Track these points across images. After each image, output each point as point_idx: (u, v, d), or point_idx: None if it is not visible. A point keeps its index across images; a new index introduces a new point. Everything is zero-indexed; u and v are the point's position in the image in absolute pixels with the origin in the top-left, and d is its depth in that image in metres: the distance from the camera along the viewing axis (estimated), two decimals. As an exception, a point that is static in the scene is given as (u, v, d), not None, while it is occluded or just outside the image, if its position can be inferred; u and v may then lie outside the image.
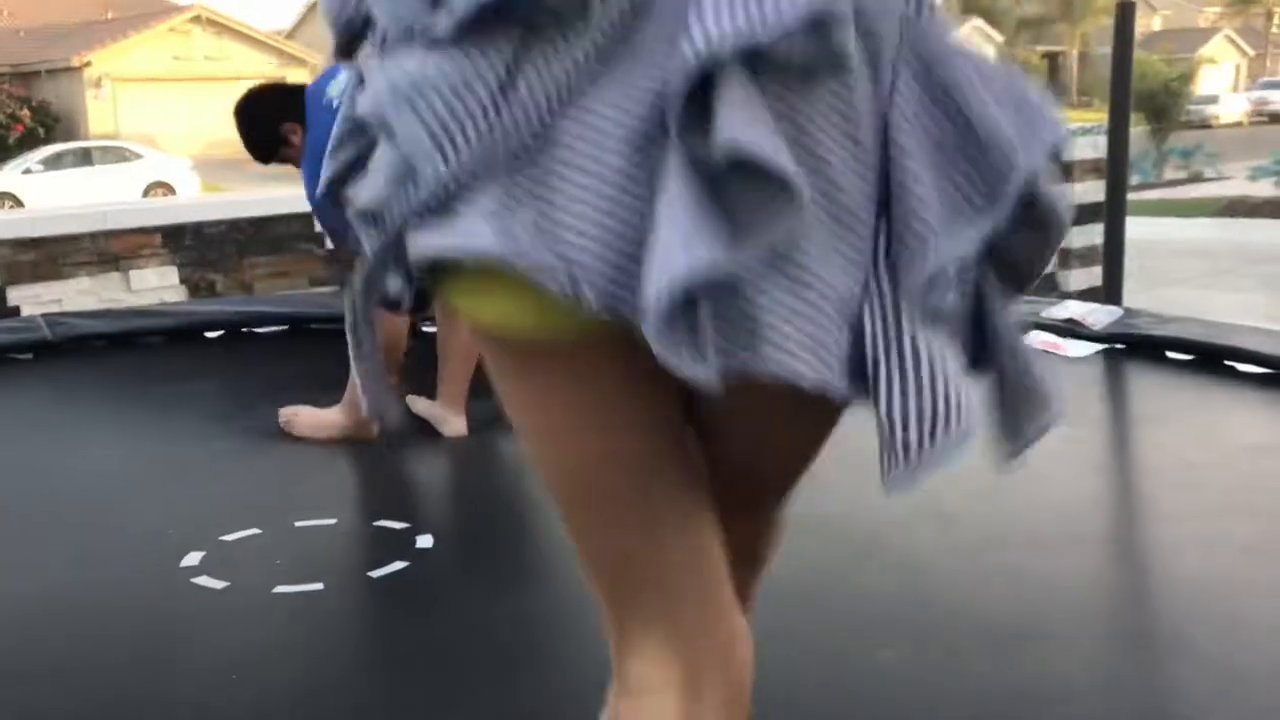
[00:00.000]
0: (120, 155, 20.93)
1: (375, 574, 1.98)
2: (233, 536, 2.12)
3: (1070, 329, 3.44)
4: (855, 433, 0.83)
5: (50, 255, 4.37)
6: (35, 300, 4.38)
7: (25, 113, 29.83)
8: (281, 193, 5.06)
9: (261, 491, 2.48)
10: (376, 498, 2.49)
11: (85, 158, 21.04)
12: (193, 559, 2.02)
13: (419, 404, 2.72)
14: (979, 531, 2.17)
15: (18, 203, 19.08)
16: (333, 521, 2.26)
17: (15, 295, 4.40)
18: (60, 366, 3.56)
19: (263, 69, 32.87)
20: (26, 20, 34.55)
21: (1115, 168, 4.56)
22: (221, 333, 3.89)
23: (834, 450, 0.89)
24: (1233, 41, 45.95)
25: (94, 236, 4.45)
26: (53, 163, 20.61)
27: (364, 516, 2.37)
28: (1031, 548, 2.09)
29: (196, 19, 32.07)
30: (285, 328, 3.87)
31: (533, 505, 2.33)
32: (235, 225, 4.71)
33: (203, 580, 1.95)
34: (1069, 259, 8.39)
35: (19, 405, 3.25)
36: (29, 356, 3.65)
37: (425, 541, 2.11)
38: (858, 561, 2.01)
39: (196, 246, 4.62)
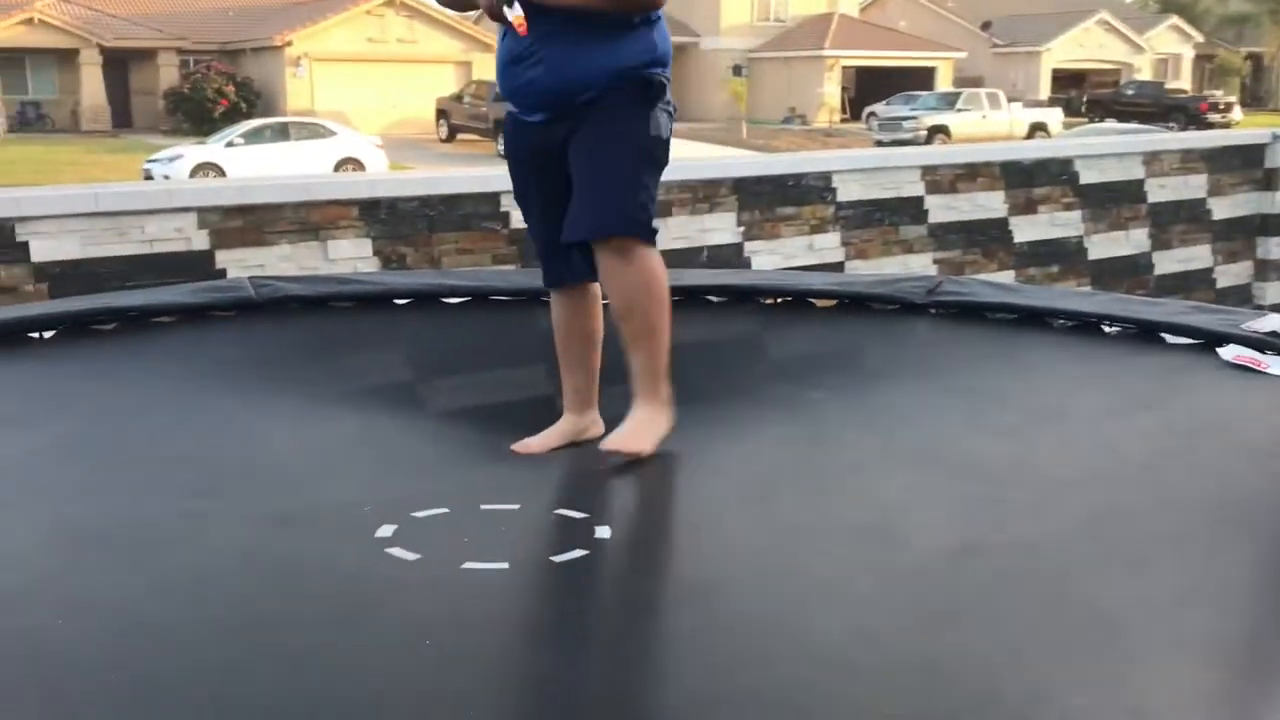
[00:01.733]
0: (315, 131, 21.90)
1: (557, 559, 2.04)
2: (423, 514, 2.19)
3: (1274, 343, 3.26)
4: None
5: (256, 223, 4.63)
6: (240, 264, 4.64)
7: (230, 88, 31.49)
8: (469, 172, 5.22)
9: (449, 472, 2.56)
10: (557, 488, 2.54)
11: (283, 132, 22.09)
12: (386, 531, 2.11)
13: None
14: (1147, 554, 2.10)
15: (220, 173, 20.16)
16: (516, 507, 2.32)
17: (223, 258, 4.67)
18: (260, 328, 3.73)
19: (452, 53, 33.78)
20: (235, 1, 36.36)
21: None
22: (411, 302, 4.03)
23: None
24: None
25: (296, 207, 4.69)
26: (253, 136, 21.70)
27: (546, 505, 2.42)
28: (1218, 568, 2.00)
29: (390, 3, 33.19)
30: (469, 299, 3.98)
31: (704, 506, 2.36)
32: (426, 202, 4.88)
33: (396, 551, 2.04)
34: (1266, 270, 7.95)
35: (220, 364, 3.43)
36: (231, 314, 3.85)
37: (604, 532, 2.15)
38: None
39: (390, 220, 4.81)
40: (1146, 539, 2.14)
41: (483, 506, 2.26)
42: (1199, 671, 1.69)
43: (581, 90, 2.40)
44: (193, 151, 21.19)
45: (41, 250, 4.41)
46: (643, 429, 2.47)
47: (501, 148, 3.04)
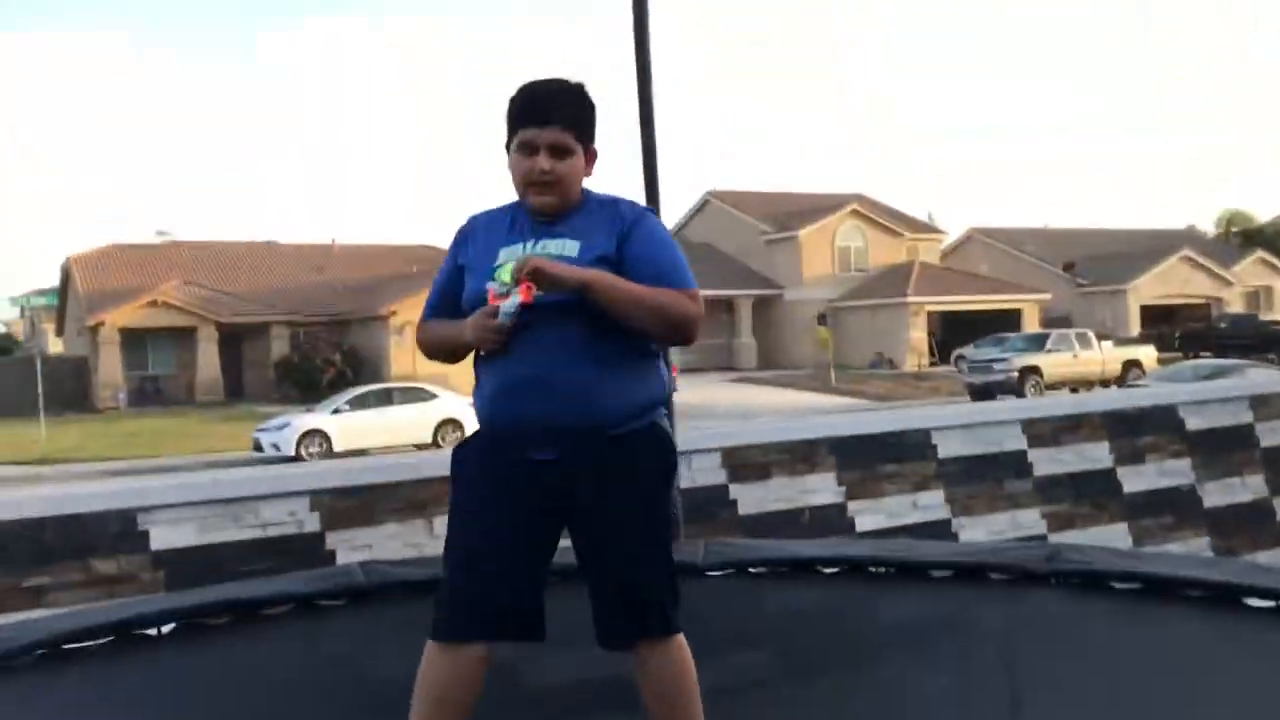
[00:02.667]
0: (417, 395, 22.61)
1: None
2: None
3: None
4: None
5: (366, 503, 4.72)
6: (349, 544, 4.71)
7: (337, 357, 32.95)
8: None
9: None
10: None
11: (386, 398, 22.84)
12: None
13: None
14: None
15: (326, 439, 20.83)
16: None
17: (333, 539, 4.74)
18: (369, 616, 3.73)
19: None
20: (342, 276, 38.54)
21: None
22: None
23: None
24: None
25: (406, 485, 4.78)
26: (358, 403, 22.45)
27: None
28: None
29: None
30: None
31: None
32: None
33: None
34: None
35: (333, 659, 3.42)
36: (342, 602, 3.88)
37: None
38: None
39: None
40: None
41: None
42: None
43: (607, 425, 2.24)
44: (300, 419, 21.96)
45: (160, 538, 4.53)
46: None
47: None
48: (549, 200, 2.32)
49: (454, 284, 2.40)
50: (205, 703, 2.98)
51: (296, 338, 35.70)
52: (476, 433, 2.38)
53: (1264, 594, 3.12)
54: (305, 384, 32.00)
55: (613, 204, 2.38)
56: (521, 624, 2.26)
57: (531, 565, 2.28)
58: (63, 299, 39.61)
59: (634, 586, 2.28)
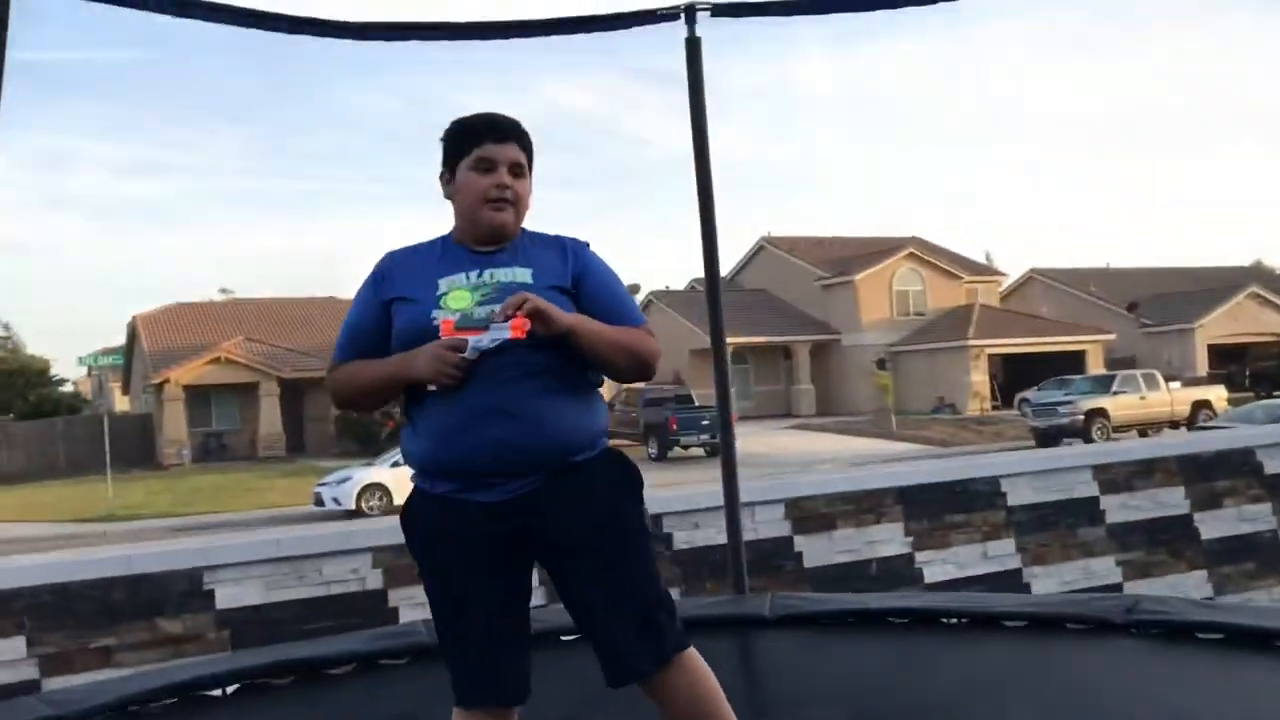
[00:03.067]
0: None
1: None
2: None
3: None
4: None
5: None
6: (411, 601, 4.69)
7: (395, 411, 33.17)
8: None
9: None
10: None
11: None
12: None
13: None
14: None
15: (387, 493, 20.93)
16: None
17: (395, 596, 4.73)
18: (434, 672, 3.71)
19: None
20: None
21: None
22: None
23: None
24: None
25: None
26: (417, 456, 22.53)
27: None
28: None
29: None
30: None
31: None
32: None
33: None
34: None
35: (393, 716, 3.39)
36: (404, 661, 3.86)
37: None
38: None
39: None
40: None
41: None
42: None
43: (571, 452, 2.18)
44: (360, 473, 22.10)
45: (225, 598, 4.54)
46: None
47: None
48: (506, 219, 2.26)
49: (375, 320, 2.26)
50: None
51: (356, 392, 36.05)
52: (418, 494, 2.23)
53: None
54: (364, 438, 32.27)
55: (553, 238, 2.35)
56: (521, 688, 2.23)
57: (518, 630, 2.23)
58: (129, 358, 40.50)
59: (645, 610, 2.19)
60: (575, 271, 2.27)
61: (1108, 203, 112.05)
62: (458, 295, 2.18)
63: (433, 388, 2.11)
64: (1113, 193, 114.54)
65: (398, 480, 21.37)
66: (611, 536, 2.19)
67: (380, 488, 21.20)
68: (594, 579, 2.17)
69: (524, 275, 2.21)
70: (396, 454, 23.22)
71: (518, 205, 2.27)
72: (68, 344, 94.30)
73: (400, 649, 3.76)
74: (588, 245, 2.35)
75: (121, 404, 43.82)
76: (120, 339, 42.55)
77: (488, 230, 2.25)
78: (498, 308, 2.13)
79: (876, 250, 42.11)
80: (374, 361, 2.23)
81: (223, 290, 43.12)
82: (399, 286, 2.25)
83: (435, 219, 2.78)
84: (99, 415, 33.28)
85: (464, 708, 2.21)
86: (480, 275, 2.22)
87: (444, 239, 2.32)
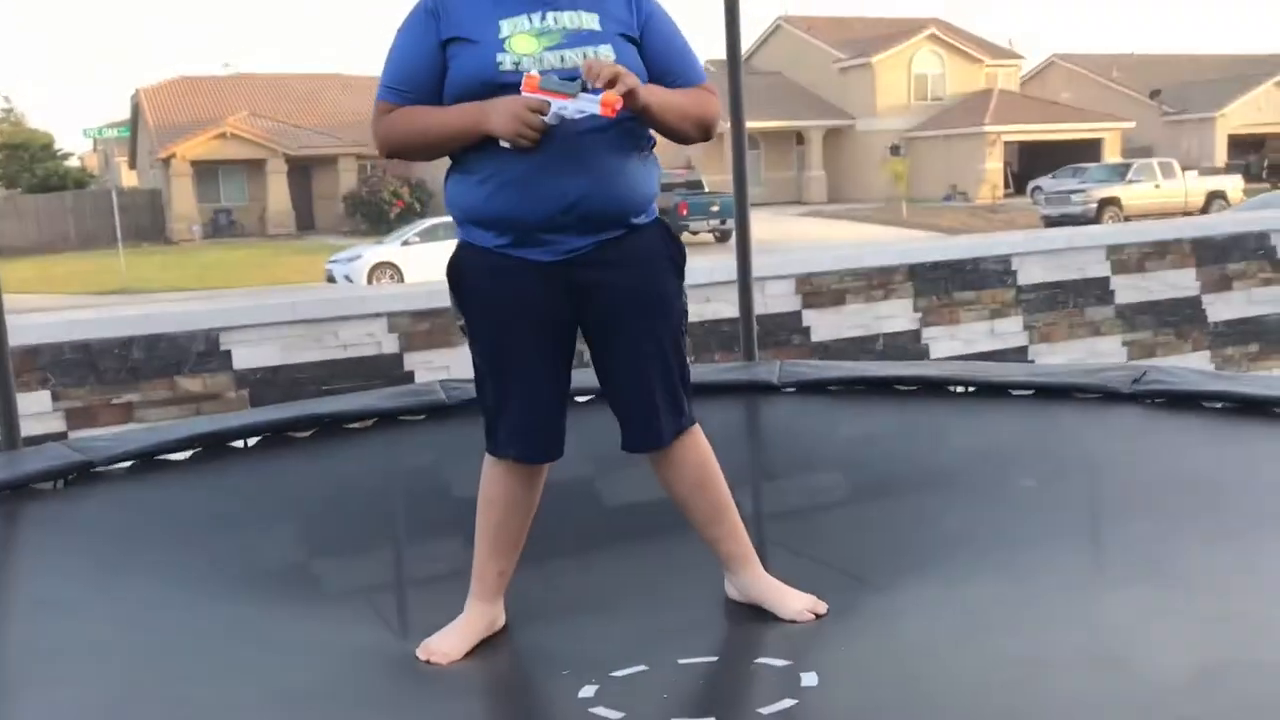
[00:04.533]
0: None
1: (765, 710, 1.92)
2: (622, 672, 2.11)
3: None
4: None
5: (442, 325, 4.76)
6: (427, 365, 4.77)
7: (405, 190, 32.99)
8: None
9: (641, 627, 2.41)
10: (752, 635, 2.34)
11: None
12: (588, 692, 2.04)
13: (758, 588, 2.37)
14: None
15: (398, 271, 21.05)
16: (714, 659, 2.25)
17: (411, 360, 4.81)
18: (451, 429, 3.80)
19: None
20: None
21: None
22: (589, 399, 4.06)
23: None
24: None
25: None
26: (428, 235, 22.58)
27: (744, 655, 2.30)
28: None
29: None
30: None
31: (916, 641, 2.20)
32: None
33: (600, 711, 1.97)
34: None
35: (412, 468, 3.50)
36: (423, 417, 3.95)
37: (810, 680, 2.02)
38: None
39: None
40: None
41: (680, 660, 2.16)
42: None
43: (633, 212, 2.16)
44: (371, 251, 22.18)
45: (243, 358, 4.62)
46: (790, 589, 2.33)
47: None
48: None
49: (430, 60, 2.10)
50: (290, 510, 3.07)
51: (364, 170, 35.75)
52: (467, 247, 2.19)
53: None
54: (374, 217, 32.19)
55: None
56: (559, 444, 2.29)
57: (562, 387, 2.27)
58: (134, 132, 39.93)
59: (672, 382, 2.23)
60: (641, 17, 2.15)
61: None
62: (522, 40, 2.05)
63: (505, 144, 2.01)
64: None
65: (408, 259, 21.46)
66: (654, 308, 2.20)
67: (391, 266, 21.31)
68: (630, 346, 2.20)
69: (590, 21, 2.10)
70: (407, 233, 23.24)
71: None
72: (70, 119, 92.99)
73: (419, 406, 3.84)
74: None
75: (128, 179, 43.49)
76: (125, 113, 41.87)
77: None
78: (580, 60, 2.03)
79: (897, 32, 40.74)
80: (439, 110, 2.10)
81: (226, 65, 42.04)
82: (457, 24, 2.08)
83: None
84: (107, 190, 33.08)
85: (502, 458, 2.25)
86: (544, 18, 2.08)
87: None
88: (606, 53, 2.08)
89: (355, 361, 4.72)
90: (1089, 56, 45.94)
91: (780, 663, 2.12)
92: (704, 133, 2.20)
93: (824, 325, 5.84)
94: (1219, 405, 3.30)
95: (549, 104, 1.96)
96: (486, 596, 2.33)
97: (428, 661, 2.22)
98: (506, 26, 2.06)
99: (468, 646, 2.26)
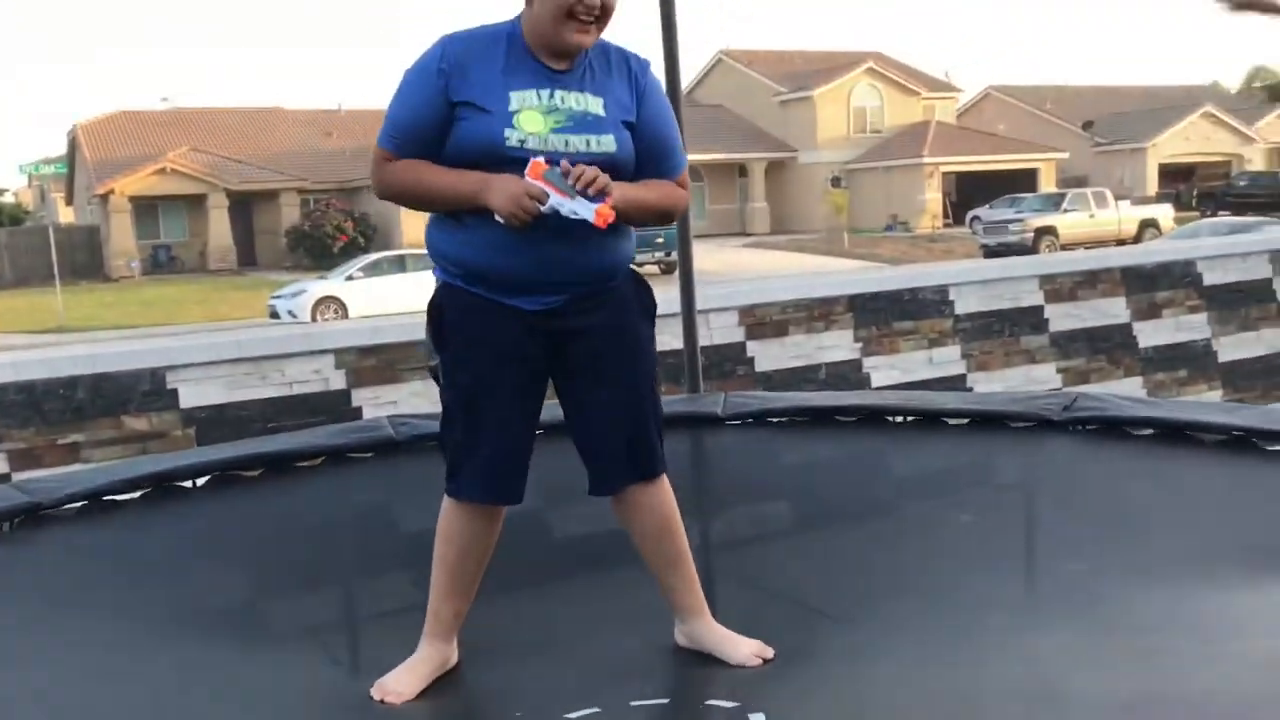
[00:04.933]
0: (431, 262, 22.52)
1: None
2: (575, 715, 2.12)
3: None
4: None
5: (390, 361, 4.79)
6: (375, 401, 4.79)
7: (349, 224, 32.83)
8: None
9: (594, 668, 2.43)
10: (701, 677, 2.35)
11: (400, 264, 22.82)
12: None
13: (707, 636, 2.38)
14: None
15: (342, 306, 20.92)
16: (665, 700, 2.29)
17: (359, 396, 4.83)
18: (400, 468, 3.82)
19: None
20: (351, 141, 38.09)
21: None
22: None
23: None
24: None
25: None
26: (372, 269, 22.48)
27: (694, 696, 2.31)
28: None
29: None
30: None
31: (859, 679, 2.26)
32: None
33: None
34: None
35: (361, 508, 3.51)
36: (370, 455, 3.95)
37: (758, 719, 2.05)
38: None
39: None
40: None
41: (632, 703, 2.18)
42: None
43: (610, 277, 2.24)
44: (315, 286, 22.00)
45: (189, 396, 4.61)
46: (738, 636, 2.35)
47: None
48: (589, 41, 2.13)
49: (438, 117, 2.13)
50: (240, 550, 3.07)
51: (307, 205, 35.52)
52: (450, 288, 2.21)
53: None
54: (317, 252, 31.96)
55: (619, 55, 2.24)
56: (520, 489, 2.30)
57: (530, 433, 2.29)
58: (71, 167, 39.36)
59: (640, 425, 2.28)
60: (638, 97, 2.22)
61: (1070, 19, 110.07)
62: (530, 117, 2.10)
63: (498, 219, 2.08)
64: (1075, 8, 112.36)
65: (352, 293, 21.35)
66: (628, 353, 2.27)
67: (335, 301, 21.18)
68: (604, 390, 2.25)
69: (595, 105, 2.16)
70: (351, 268, 23.09)
71: (604, 22, 2.15)
72: (4, 155, 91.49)
73: (368, 443, 3.86)
74: (649, 66, 2.28)
75: (65, 215, 42.84)
76: (61, 148, 41.29)
77: (566, 48, 2.14)
78: (583, 146, 2.11)
79: (836, 65, 41.39)
80: (441, 171, 2.14)
81: (164, 99, 41.67)
82: (469, 89, 2.11)
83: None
84: (44, 226, 32.58)
85: (464, 500, 2.28)
86: (553, 96, 2.13)
87: (509, 33, 2.18)
88: (609, 143, 2.15)
89: (301, 399, 4.73)
90: (1023, 88, 46.94)
91: (729, 704, 2.16)
92: (668, 223, 2.34)
93: (767, 356, 5.94)
94: (1148, 431, 3.42)
95: (548, 195, 2.04)
96: (441, 635, 2.34)
97: (382, 701, 2.24)
98: (516, 100, 2.11)
99: (421, 685, 2.27)
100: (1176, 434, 3.38)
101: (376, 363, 4.79)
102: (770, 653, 2.33)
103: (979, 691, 2.11)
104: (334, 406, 4.74)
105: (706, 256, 27.60)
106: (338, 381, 4.80)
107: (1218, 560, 2.63)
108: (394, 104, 2.20)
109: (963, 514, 3.10)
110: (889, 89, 41.01)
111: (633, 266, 2.34)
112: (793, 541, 3.16)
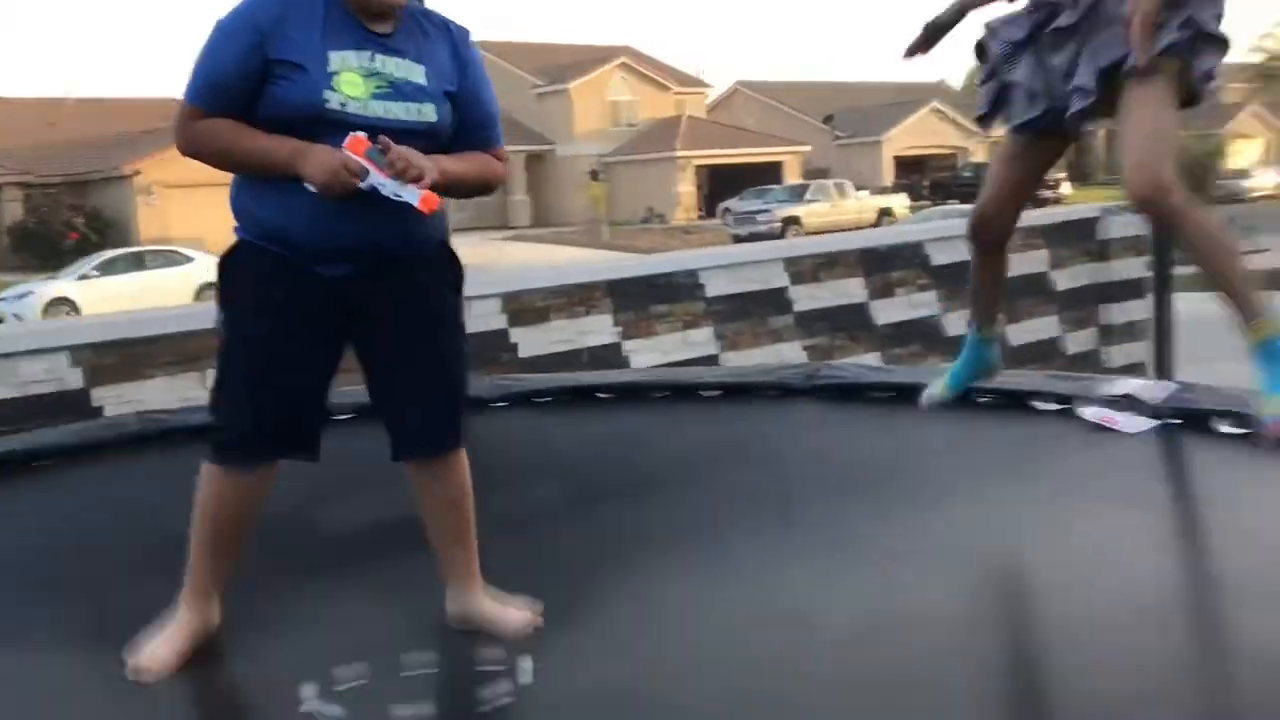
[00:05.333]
0: (171, 259, 21.47)
1: (486, 708, 2.05)
2: (345, 686, 2.12)
3: (1126, 404, 3.52)
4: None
5: (132, 356, 4.57)
6: (119, 400, 4.56)
7: (79, 220, 30.74)
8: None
9: (363, 637, 2.40)
10: (472, 643, 2.35)
11: (138, 262, 21.62)
12: (310, 699, 2.06)
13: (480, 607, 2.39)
14: (1043, 617, 2.27)
15: (74, 308, 19.61)
16: (435, 668, 2.26)
17: (98, 395, 4.58)
18: (146, 464, 3.67)
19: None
20: (76, 132, 35.71)
21: (1160, 245, 4.67)
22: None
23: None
24: (1259, 117, 46.06)
25: (175, 337, 4.64)
26: (107, 268, 21.19)
27: (465, 659, 2.30)
28: (1103, 630, 2.15)
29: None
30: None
31: (617, 634, 2.38)
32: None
33: (322, 716, 2.01)
34: (1110, 335, 8.46)
35: (109, 501, 3.37)
36: (118, 451, 3.78)
37: (527, 676, 2.13)
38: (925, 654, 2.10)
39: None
40: (1029, 596, 2.29)
41: (402, 674, 2.18)
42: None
43: (419, 253, 2.21)
44: (43, 287, 20.55)
45: (-91, 400, 4.27)
46: (508, 608, 2.37)
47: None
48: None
49: (249, 73, 2.04)
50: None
51: (30, 200, 33.03)
52: (250, 245, 2.14)
53: (994, 393, 3.51)
54: (45, 250, 29.78)
55: (439, 20, 2.23)
56: (309, 442, 2.26)
57: (322, 386, 2.25)
58: None
59: (451, 395, 2.29)
60: (460, 67, 2.20)
61: (800, 17, 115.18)
62: (350, 79, 2.04)
63: (311, 189, 2.01)
64: (823, 6, 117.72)
65: (86, 294, 20.07)
66: (436, 321, 2.25)
67: (67, 302, 19.86)
68: (411, 357, 2.23)
69: (418, 74, 2.12)
70: (84, 266, 21.69)
71: None
72: None
73: (111, 440, 3.70)
74: (469, 35, 2.26)
75: None
76: None
77: (381, 6, 2.10)
78: (404, 115, 2.07)
79: (590, 59, 41.89)
80: (254, 135, 2.05)
81: None
82: (285, 47, 2.04)
83: None
84: None
85: (232, 463, 2.20)
86: (373, 59, 2.08)
87: None
88: (429, 112, 2.12)
89: (38, 400, 4.45)
90: (769, 84, 48.90)
91: (499, 667, 2.19)
92: (486, 194, 2.32)
93: (531, 342, 6.00)
94: (880, 395, 3.71)
95: (368, 171, 1.99)
96: (203, 594, 2.27)
97: (137, 681, 2.15)
98: (335, 60, 2.05)
99: (179, 658, 2.20)
100: (905, 395, 3.67)
101: (117, 359, 4.56)
102: (539, 618, 2.35)
103: (744, 622, 2.29)
104: (73, 407, 4.48)
105: (469, 249, 27.05)
106: (74, 380, 4.54)
107: (944, 498, 2.92)
108: (204, 57, 2.09)
109: (720, 472, 3.27)
110: (641, 83, 41.87)
111: (442, 241, 2.30)
112: (562, 514, 3.23)
